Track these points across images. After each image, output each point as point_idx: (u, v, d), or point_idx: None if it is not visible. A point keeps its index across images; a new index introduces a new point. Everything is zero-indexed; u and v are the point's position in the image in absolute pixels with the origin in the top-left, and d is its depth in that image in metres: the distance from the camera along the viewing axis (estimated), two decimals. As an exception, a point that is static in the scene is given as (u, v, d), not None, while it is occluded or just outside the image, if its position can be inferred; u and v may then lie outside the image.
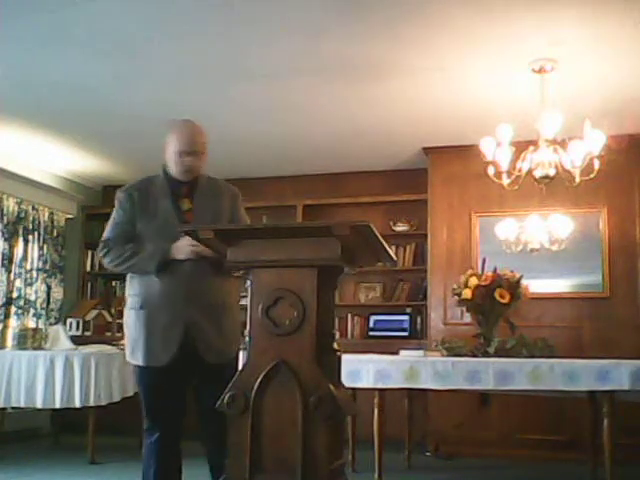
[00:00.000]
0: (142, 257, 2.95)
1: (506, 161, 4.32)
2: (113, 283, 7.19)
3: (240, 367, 2.46)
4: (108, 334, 6.57)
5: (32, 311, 6.34)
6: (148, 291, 2.98)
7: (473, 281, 4.47)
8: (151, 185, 3.16)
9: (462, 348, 4.35)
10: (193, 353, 2.86)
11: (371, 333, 6.36)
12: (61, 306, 6.66)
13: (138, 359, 3.01)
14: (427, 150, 6.03)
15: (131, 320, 3.05)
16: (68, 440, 5.64)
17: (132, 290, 3.13)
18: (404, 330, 6.23)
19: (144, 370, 3.00)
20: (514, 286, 4.45)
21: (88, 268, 7.20)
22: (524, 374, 3.87)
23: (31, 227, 6.40)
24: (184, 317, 2.85)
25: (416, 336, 6.18)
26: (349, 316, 6.58)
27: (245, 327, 2.51)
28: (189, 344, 2.85)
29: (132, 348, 3.05)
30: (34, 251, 6.43)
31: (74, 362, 4.85)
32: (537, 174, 4.29)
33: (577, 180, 4.26)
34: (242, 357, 3.13)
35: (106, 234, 3.03)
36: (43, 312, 6.44)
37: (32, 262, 6.39)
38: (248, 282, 2.46)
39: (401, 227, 6.52)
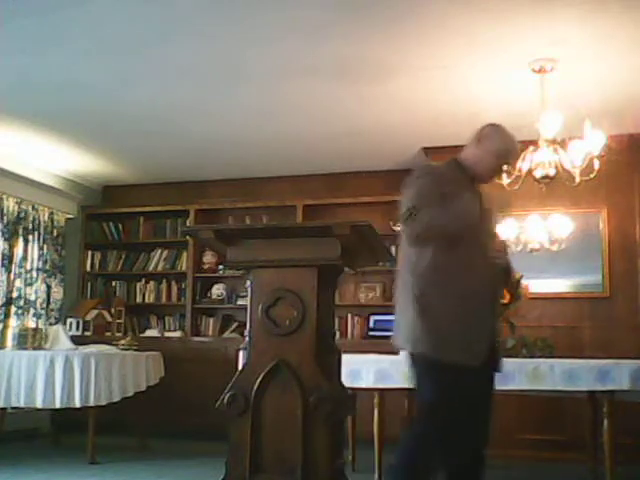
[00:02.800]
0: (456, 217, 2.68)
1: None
2: (113, 283, 7.19)
3: (240, 367, 2.46)
4: (108, 334, 6.58)
5: (32, 311, 6.34)
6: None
7: (473, 281, 4.46)
8: (450, 172, 2.90)
9: (462, 348, 4.34)
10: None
11: (371, 333, 6.35)
12: (61, 306, 6.66)
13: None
14: (427, 150, 6.03)
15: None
16: (68, 440, 5.63)
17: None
18: (404, 330, 6.21)
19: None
20: (514, 286, 4.45)
21: (88, 268, 7.20)
22: (524, 374, 3.87)
23: (31, 227, 6.40)
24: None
25: (416, 336, 6.17)
26: (349, 316, 6.58)
27: None
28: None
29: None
30: (34, 251, 6.43)
31: (74, 362, 4.85)
32: (537, 174, 4.29)
33: (577, 180, 4.26)
34: (242, 357, 3.13)
35: (410, 203, 2.72)
36: (43, 312, 6.44)
37: (32, 262, 6.39)
38: (248, 282, 2.47)
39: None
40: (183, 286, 6.95)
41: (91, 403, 4.83)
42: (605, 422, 3.85)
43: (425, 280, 2.69)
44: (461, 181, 2.82)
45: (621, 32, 3.86)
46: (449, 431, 2.62)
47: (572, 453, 4.97)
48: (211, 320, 6.92)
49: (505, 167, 2.97)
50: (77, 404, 4.81)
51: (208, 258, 6.89)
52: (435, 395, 2.66)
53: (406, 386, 4.15)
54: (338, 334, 6.31)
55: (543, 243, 4.94)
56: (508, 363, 3.95)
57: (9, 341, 5.85)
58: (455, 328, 2.65)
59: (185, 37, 4.02)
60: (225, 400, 2.31)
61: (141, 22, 3.84)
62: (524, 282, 4.52)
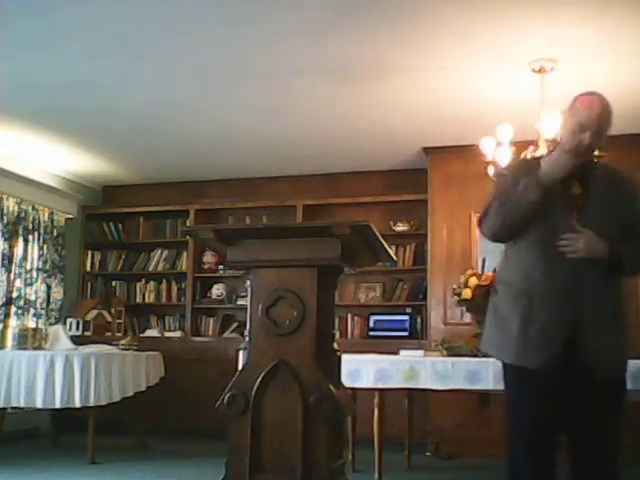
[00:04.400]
0: (517, 195, 2.44)
1: (506, 161, 4.32)
2: (113, 283, 7.19)
3: (240, 367, 2.46)
4: (108, 334, 6.58)
5: (32, 311, 6.33)
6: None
7: (473, 281, 4.47)
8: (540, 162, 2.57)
9: (462, 348, 4.35)
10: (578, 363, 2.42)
11: (371, 333, 6.35)
12: (61, 306, 6.66)
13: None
14: (427, 150, 6.03)
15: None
16: (68, 440, 5.63)
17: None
18: (404, 330, 6.22)
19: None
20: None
21: (88, 268, 7.20)
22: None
23: (31, 227, 6.40)
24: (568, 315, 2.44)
25: (416, 336, 6.18)
26: (349, 316, 6.58)
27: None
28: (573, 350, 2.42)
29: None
30: (34, 251, 6.43)
31: (74, 362, 4.85)
32: (537, 174, 4.29)
33: (577, 180, 4.25)
34: (242, 357, 3.13)
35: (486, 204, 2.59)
36: (43, 312, 6.43)
37: (32, 262, 6.38)
38: (248, 282, 2.47)
39: (401, 227, 6.52)
40: (183, 286, 6.95)
41: (91, 403, 4.83)
42: (605, 422, 3.84)
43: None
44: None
45: (621, 32, 3.86)
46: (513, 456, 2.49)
47: (572, 453, 4.96)
48: (211, 320, 6.92)
49: (584, 134, 2.46)
50: (77, 404, 4.81)
51: (208, 258, 6.89)
52: (506, 405, 2.57)
53: (406, 386, 4.16)
54: (338, 334, 6.32)
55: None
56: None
57: (9, 341, 5.84)
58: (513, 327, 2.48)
59: (185, 37, 4.02)
60: (225, 400, 2.31)
61: (141, 22, 3.83)
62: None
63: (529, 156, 4.34)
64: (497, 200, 2.54)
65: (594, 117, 2.48)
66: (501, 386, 3.91)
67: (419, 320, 6.34)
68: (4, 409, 5.08)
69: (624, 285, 2.59)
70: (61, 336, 5.42)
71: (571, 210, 2.47)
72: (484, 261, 4.72)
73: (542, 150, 4.28)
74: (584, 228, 2.41)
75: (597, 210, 2.48)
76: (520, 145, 4.35)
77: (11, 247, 6.15)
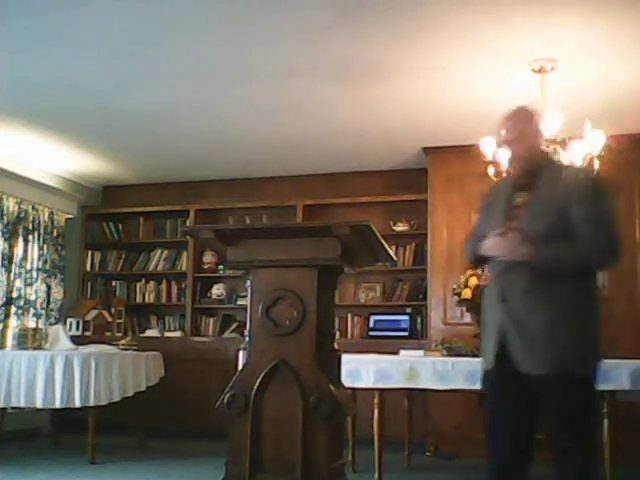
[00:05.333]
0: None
1: (506, 161, 4.32)
2: (113, 283, 7.19)
3: (240, 367, 2.46)
4: (108, 334, 6.57)
5: (32, 311, 6.33)
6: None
7: (473, 281, 4.47)
8: (504, 182, 2.86)
9: (462, 348, 4.35)
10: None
11: (371, 333, 6.35)
12: (61, 306, 6.66)
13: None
14: (427, 150, 6.03)
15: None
16: (68, 440, 5.63)
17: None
18: (404, 330, 6.22)
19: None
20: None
21: (88, 268, 7.20)
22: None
23: (31, 227, 6.40)
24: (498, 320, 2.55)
25: (416, 336, 6.18)
26: (349, 316, 6.58)
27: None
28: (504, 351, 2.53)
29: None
30: (34, 251, 6.43)
31: (74, 362, 4.85)
32: (537, 174, 4.29)
33: (577, 180, 4.25)
34: (242, 357, 3.13)
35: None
36: (43, 312, 6.43)
37: (32, 262, 6.38)
38: (248, 282, 2.47)
39: (401, 227, 6.52)
40: (183, 286, 6.95)
41: (91, 403, 4.83)
42: (605, 422, 3.85)
43: None
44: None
45: (621, 32, 3.86)
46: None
47: (572, 453, 4.96)
48: (211, 320, 6.92)
49: (504, 148, 2.73)
50: (77, 404, 4.81)
51: (208, 258, 6.89)
52: None
53: (406, 386, 4.16)
54: (338, 334, 6.32)
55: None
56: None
57: (9, 341, 5.84)
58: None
59: (185, 37, 4.02)
60: (225, 400, 2.31)
61: (141, 22, 3.83)
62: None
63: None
64: (469, 235, 2.78)
65: (502, 131, 2.66)
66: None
67: (419, 320, 6.34)
68: (4, 409, 5.08)
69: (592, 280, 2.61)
70: (61, 336, 5.42)
71: (512, 219, 2.55)
72: (484, 261, 4.72)
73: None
74: (520, 230, 2.48)
75: (537, 213, 2.53)
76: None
77: (11, 247, 6.15)
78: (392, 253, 2.81)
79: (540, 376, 2.44)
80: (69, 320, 6.51)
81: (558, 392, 2.45)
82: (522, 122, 2.63)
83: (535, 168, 2.62)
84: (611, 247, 2.54)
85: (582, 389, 2.47)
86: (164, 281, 7.04)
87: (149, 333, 6.86)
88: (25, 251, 6.32)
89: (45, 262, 6.50)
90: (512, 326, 2.49)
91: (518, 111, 2.66)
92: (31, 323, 6.22)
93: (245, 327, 3.49)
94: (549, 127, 4.23)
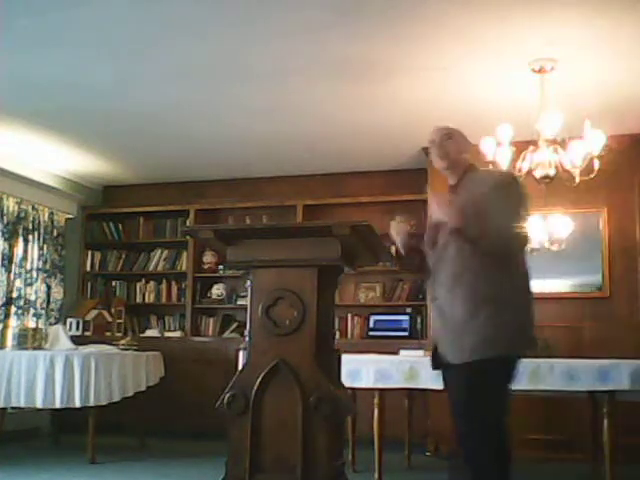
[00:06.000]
0: None
1: (506, 161, 4.32)
2: (113, 283, 7.19)
3: (240, 367, 2.46)
4: (108, 334, 6.57)
5: (32, 311, 6.33)
6: None
7: (473, 281, 4.46)
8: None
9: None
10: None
11: (371, 333, 6.35)
12: (61, 306, 6.66)
13: None
14: (427, 150, 6.01)
15: None
16: (68, 440, 5.63)
17: None
18: (404, 330, 6.22)
19: None
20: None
21: (88, 268, 7.20)
22: (524, 374, 3.86)
23: (31, 227, 6.40)
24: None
25: (416, 336, 6.17)
26: (349, 316, 6.58)
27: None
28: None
29: None
30: (34, 251, 6.43)
31: (74, 362, 4.85)
32: (537, 174, 4.29)
33: (577, 180, 4.26)
34: (242, 357, 3.13)
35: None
36: (43, 312, 6.43)
37: (32, 262, 6.38)
38: (248, 282, 2.46)
39: (401, 227, 6.51)
40: (183, 286, 6.95)
41: (91, 403, 4.83)
42: (605, 422, 3.85)
43: None
44: None
45: (621, 32, 3.86)
46: None
47: (572, 453, 4.97)
48: (211, 320, 6.92)
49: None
50: (77, 404, 4.81)
51: (208, 258, 6.89)
52: None
53: (406, 386, 4.16)
54: (338, 334, 6.32)
55: (543, 243, 4.94)
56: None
57: (9, 341, 5.85)
58: None
59: (185, 37, 4.02)
60: (225, 400, 2.31)
61: (141, 22, 3.84)
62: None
63: (528, 156, 4.35)
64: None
65: (430, 147, 3.06)
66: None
67: (419, 320, 6.34)
68: (4, 409, 5.08)
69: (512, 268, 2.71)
70: (61, 336, 5.42)
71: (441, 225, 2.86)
72: (484, 261, 4.72)
73: (542, 150, 4.28)
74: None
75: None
76: (520, 145, 4.35)
77: (11, 247, 6.15)
78: (392, 253, 2.81)
79: (455, 365, 2.69)
80: (69, 320, 6.51)
81: (459, 378, 2.71)
82: (442, 140, 3.02)
83: (460, 178, 2.99)
84: (510, 235, 2.69)
85: (478, 376, 2.65)
86: (164, 281, 7.04)
87: (149, 333, 6.86)
88: (25, 251, 6.32)
89: (45, 262, 6.50)
90: (440, 321, 2.76)
91: (437, 130, 3.07)
92: (31, 323, 6.22)
93: (245, 327, 3.49)
94: (549, 127, 4.23)
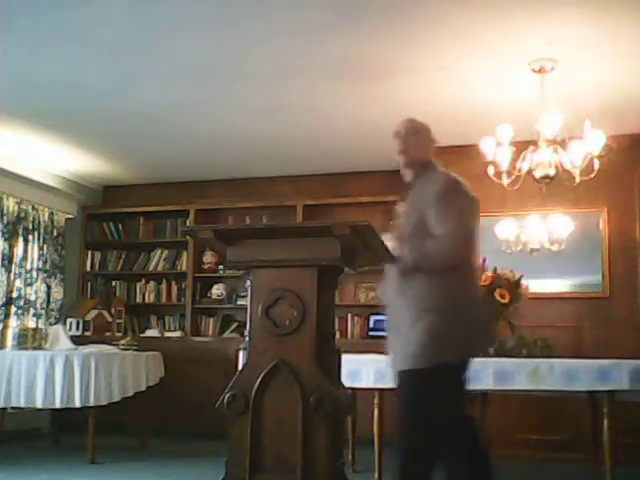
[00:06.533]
0: None
1: (506, 161, 4.32)
2: (113, 283, 7.19)
3: (240, 367, 2.45)
4: (108, 334, 6.58)
5: (32, 311, 6.33)
6: None
7: (473, 281, 4.46)
8: None
9: (462, 348, 4.34)
10: None
11: (371, 333, 6.35)
12: (61, 306, 6.66)
13: None
14: (427, 150, 6.02)
15: None
16: (68, 440, 5.63)
17: None
18: (404, 330, 6.21)
19: None
20: (514, 286, 4.45)
21: (88, 268, 7.20)
22: (524, 374, 3.87)
23: (31, 227, 6.40)
24: None
25: (416, 336, 6.16)
26: (349, 316, 6.58)
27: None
28: None
29: None
30: (34, 251, 6.43)
31: (74, 362, 4.85)
32: (537, 174, 4.29)
33: (577, 180, 4.26)
34: (242, 357, 3.13)
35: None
36: (43, 312, 6.43)
37: (32, 262, 6.39)
38: (248, 282, 2.46)
39: (401, 227, 6.51)
40: (183, 286, 6.95)
41: (91, 403, 4.83)
42: (605, 422, 3.85)
43: None
44: None
45: (621, 32, 3.86)
46: None
47: (572, 453, 4.97)
48: (211, 320, 6.92)
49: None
50: (77, 404, 4.81)
51: (208, 258, 6.89)
52: None
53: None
54: (338, 334, 6.32)
55: (543, 243, 4.94)
56: (508, 363, 3.97)
57: (9, 341, 5.85)
58: None
59: (185, 37, 4.02)
60: (225, 400, 2.31)
61: (141, 22, 3.84)
62: (524, 282, 4.52)
63: (528, 156, 4.35)
64: None
65: (394, 139, 2.93)
66: (501, 386, 3.93)
67: (419, 320, 6.33)
68: (4, 409, 5.08)
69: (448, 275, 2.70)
70: (61, 336, 5.42)
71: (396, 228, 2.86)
72: (484, 261, 4.72)
73: (542, 150, 4.28)
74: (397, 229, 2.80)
75: (406, 218, 2.83)
76: (520, 145, 4.35)
77: (11, 247, 6.15)
78: (392, 253, 2.80)
79: (401, 371, 2.72)
80: (69, 320, 6.51)
81: (404, 382, 2.73)
82: (408, 134, 2.91)
83: (416, 177, 2.94)
84: (445, 246, 2.68)
85: (415, 382, 2.68)
86: (164, 281, 7.04)
87: (149, 333, 6.86)
88: (25, 251, 6.32)
89: (45, 262, 6.50)
90: (390, 329, 2.78)
91: (406, 123, 2.93)
92: (31, 323, 6.22)
93: (245, 327, 3.49)
94: (549, 127, 4.23)
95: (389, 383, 4.08)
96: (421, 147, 2.94)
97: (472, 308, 2.78)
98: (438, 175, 2.92)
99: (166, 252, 7.10)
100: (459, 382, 2.77)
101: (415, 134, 2.93)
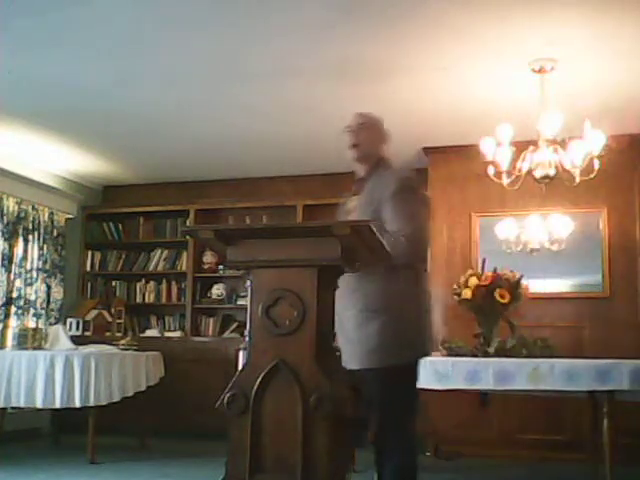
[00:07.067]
0: None
1: (506, 161, 4.32)
2: (113, 283, 7.19)
3: (240, 367, 2.45)
4: (108, 334, 6.58)
5: (32, 311, 6.33)
6: None
7: (473, 281, 4.47)
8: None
9: (462, 348, 4.35)
10: None
11: (371, 333, 6.34)
12: (61, 306, 6.66)
13: None
14: (427, 150, 6.03)
15: None
16: (68, 440, 5.64)
17: None
18: (404, 330, 6.21)
19: None
20: (514, 286, 4.45)
21: (88, 268, 7.20)
22: (524, 374, 3.87)
23: (31, 227, 6.40)
24: None
25: (416, 336, 6.16)
26: (349, 316, 6.57)
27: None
28: None
29: None
30: (34, 251, 6.43)
31: (74, 362, 4.85)
32: (537, 174, 4.29)
33: (577, 180, 4.26)
34: (242, 357, 3.13)
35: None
36: (43, 312, 6.43)
37: (32, 262, 6.38)
38: (248, 282, 2.46)
39: (401, 227, 6.51)
40: (183, 286, 6.95)
41: (91, 403, 4.83)
42: (605, 422, 3.85)
43: None
44: None
45: (621, 32, 3.86)
46: None
47: (572, 453, 4.97)
48: (211, 320, 6.92)
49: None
50: (77, 404, 4.81)
51: (208, 258, 6.89)
52: None
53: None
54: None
55: (543, 243, 4.95)
56: (508, 363, 3.97)
57: (9, 341, 5.85)
58: None
59: (185, 37, 4.02)
60: (225, 400, 2.31)
61: (141, 22, 3.84)
62: (524, 282, 4.53)
63: (528, 156, 4.35)
64: None
65: (346, 132, 2.96)
66: (502, 386, 3.93)
67: (419, 320, 6.33)
68: (4, 409, 5.08)
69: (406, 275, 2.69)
70: (61, 336, 5.42)
71: None
72: (484, 261, 4.73)
73: (542, 150, 4.28)
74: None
75: (360, 214, 2.75)
76: (520, 145, 4.35)
77: (11, 247, 6.15)
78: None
79: (353, 370, 2.63)
80: (69, 320, 6.51)
81: (372, 382, 2.61)
82: (359, 128, 2.92)
83: (369, 172, 2.90)
84: (411, 244, 2.64)
85: (378, 381, 2.62)
86: (164, 281, 7.04)
87: (149, 333, 6.86)
88: (25, 251, 6.32)
89: (45, 262, 6.50)
90: (338, 326, 2.70)
91: (357, 117, 2.93)
92: (31, 323, 6.22)
93: (245, 327, 3.49)
94: (549, 127, 4.24)
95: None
96: (373, 141, 2.92)
97: (425, 307, 2.77)
98: (393, 172, 2.90)
99: (166, 252, 7.10)
100: (412, 382, 2.76)
101: (367, 128, 2.92)
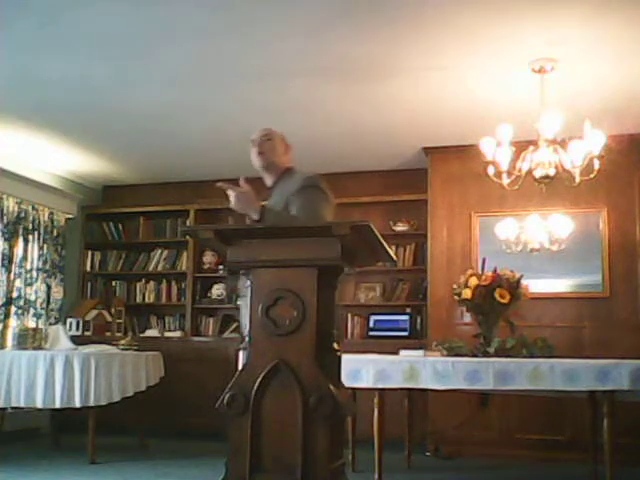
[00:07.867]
0: None
1: (506, 161, 4.32)
2: (113, 283, 7.19)
3: (240, 367, 2.45)
4: (108, 334, 6.58)
5: (32, 311, 6.33)
6: None
7: (473, 281, 4.47)
8: None
9: (462, 348, 4.35)
10: None
11: (371, 333, 6.35)
12: (61, 306, 6.66)
13: None
14: (427, 150, 6.03)
15: None
16: (68, 440, 5.63)
17: None
18: (404, 330, 6.22)
19: None
20: (514, 286, 4.45)
21: (88, 268, 7.20)
22: (524, 374, 3.87)
23: (31, 227, 6.39)
24: None
25: (416, 336, 6.17)
26: (349, 316, 6.58)
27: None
28: None
29: None
30: (34, 251, 6.42)
31: (74, 362, 4.85)
32: (537, 174, 4.29)
33: (577, 180, 4.26)
34: (242, 357, 3.12)
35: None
36: (43, 312, 6.43)
37: (32, 262, 6.38)
38: (248, 282, 2.46)
39: (401, 227, 6.52)
40: (183, 286, 6.95)
41: (91, 403, 4.83)
42: (605, 422, 3.85)
43: None
44: None
45: (621, 32, 3.86)
46: None
47: (572, 453, 4.97)
48: (211, 320, 6.92)
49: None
50: (77, 404, 4.81)
51: (208, 258, 6.89)
52: None
53: (406, 386, 4.16)
54: (338, 334, 6.31)
55: (543, 243, 4.94)
56: (508, 363, 3.97)
57: (9, 341, 5.84)
58: None
59: (185, 37, 4.02)
60: (225, 400, 2.31)
61: (141, 22, 3.83)
62: (524, 282, 4.52)
63: (528, 156, 4.35)
64: None
65: (251, 146, 3.26)
66: (502, 386, 3.93)
67: (419, 320, 6.34)
68: (4, 409, 5.08)
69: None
70: (61, 336, 5.42)
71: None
72: (484, 261, 4.72)
73: (542, 150, 4.28)
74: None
75: (269, 215, 2.83)
76: (520, 145, 4.35)
77: (11, 247, 6.15)
78: (392, 253, 2.81)
79: None
80: (69, 320, 6.51)
81: None
82: (262, 140, 3.26)
83: (276, 180, 3.24)
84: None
85: None
86: (164, 281, 7.04)
87: (149, 333, 6.86)
88: (25, 251, 6.32)
89: (45, 262, 6.50)
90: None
91: (259, 132, 3.28)
92: (31, 323, 6.22)
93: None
94: (549, 127, 4.23)
95: (389, 383, 4.11)
96: (276, 151, 3.24)
97: None
98: (299, 175, 3.16)
99: (166, 252, 7.10)
100: None
101: (268, 141, 3.25)
